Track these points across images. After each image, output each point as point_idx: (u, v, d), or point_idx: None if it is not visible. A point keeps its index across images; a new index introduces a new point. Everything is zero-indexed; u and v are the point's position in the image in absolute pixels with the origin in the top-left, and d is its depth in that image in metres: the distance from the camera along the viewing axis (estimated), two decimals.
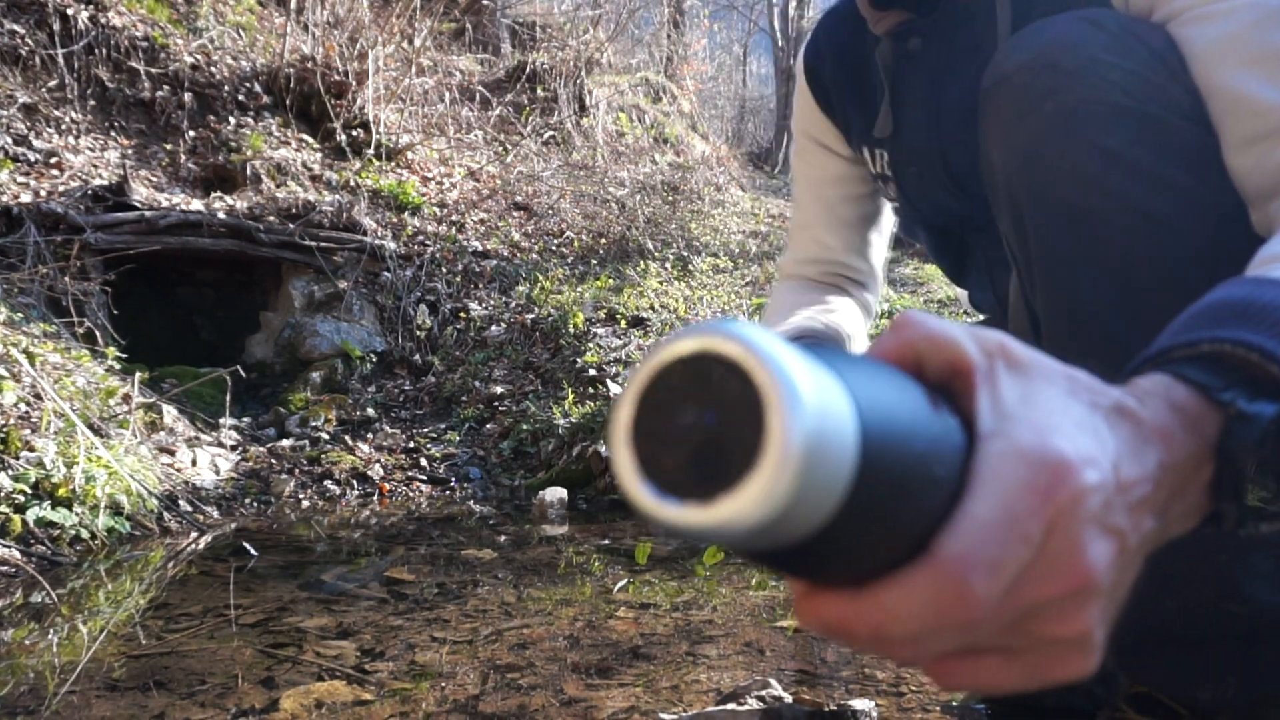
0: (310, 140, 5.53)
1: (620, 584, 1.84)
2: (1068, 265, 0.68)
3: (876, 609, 0.29)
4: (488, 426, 3.77)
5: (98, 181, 4.24)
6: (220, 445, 3.31)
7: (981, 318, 1.16)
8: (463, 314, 4.72)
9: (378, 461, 3.37)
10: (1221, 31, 0.63)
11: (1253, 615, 0.67)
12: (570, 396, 3.57)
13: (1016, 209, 0.72)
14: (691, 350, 0.26)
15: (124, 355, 3.33)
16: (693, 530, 0.26)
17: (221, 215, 4.42)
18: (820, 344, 1.04)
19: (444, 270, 4.96)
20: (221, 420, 3.52)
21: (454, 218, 5.49)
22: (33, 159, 4.30)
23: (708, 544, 0.27)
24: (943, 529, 0.29)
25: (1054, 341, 0.72)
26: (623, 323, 4.38)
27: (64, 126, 4.64)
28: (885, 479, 0.27)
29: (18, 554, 1.93)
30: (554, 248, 5.61)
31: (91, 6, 5.04)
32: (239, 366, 3.61)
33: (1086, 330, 0.68)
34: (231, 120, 5.27)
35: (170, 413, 3.24)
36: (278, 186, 4.93)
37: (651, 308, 4.63)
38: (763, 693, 1.08)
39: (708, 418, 0.26)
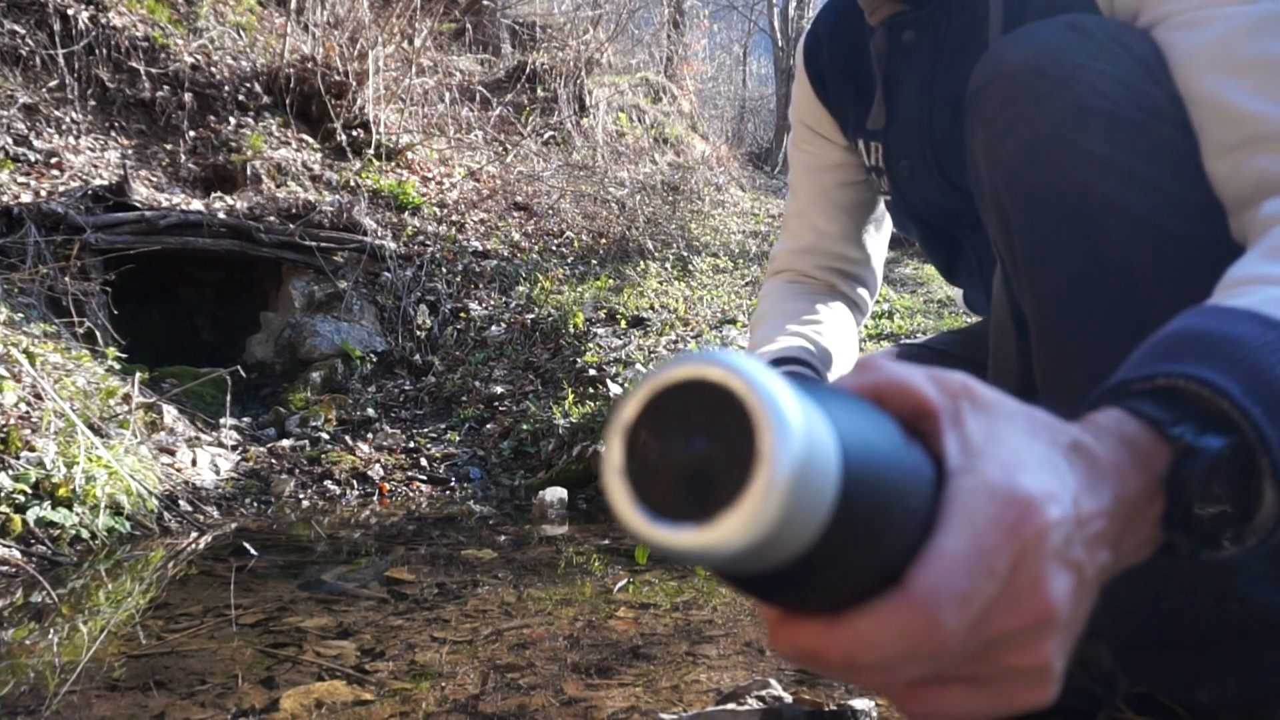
0: (310, 140, 5.53)
1: (620, 584, 1.85)
2: (1055, 265, 0.69)
3: (850, 637, 0.30)
4: (488, 426, 3.77)
5: (98, 181, 4.24)
6: (220, 445, 3.31)
7: (977, 319, 1.16)
8: (463, 314, 4.72)
9: (378, 461, 3.37)
10: (1205, 38, 0.63)
11: (1251, 616, 0.67)
12: (570, 396, 3.57)
13: (1002, 211, 0.73)
14: (686, 377, 0.27)
15: (124, 355, 3.32)
16: (683, 551, 0.26)
17: (221, 215, 4.42)
18: (806, 372, 1.02)
19: (444, 270, 4.96)
20: (221, 420, 3.52)
21: (454, 218, 5.49)
22: (33, 159, 4.30)
23: (696, 565, 0.27)
24: (915, 561, 0.30)
25: (1043, 338, 0.73)
26: (623, 323, 4.38)
27: (64, 126, 4.64)
28: (864, 507, 0.28)
29: (18, 554, 1.93)
30: (554, 248, 5.61)
31: (92, 7, 5.04)
32: (239, 366, 3.61)
33: (1076, 326, 0.69)
34: (231, 120, 5.27)
35: (170, 413, 3.24)
36: (278, 186, 4.93)
37: (651, 308, 4.63)
38: (763, 693, 1.08)
39: (701, 443, 0.27)
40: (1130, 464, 0.36)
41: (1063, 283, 0.69)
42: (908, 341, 1.19)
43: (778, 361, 1.01)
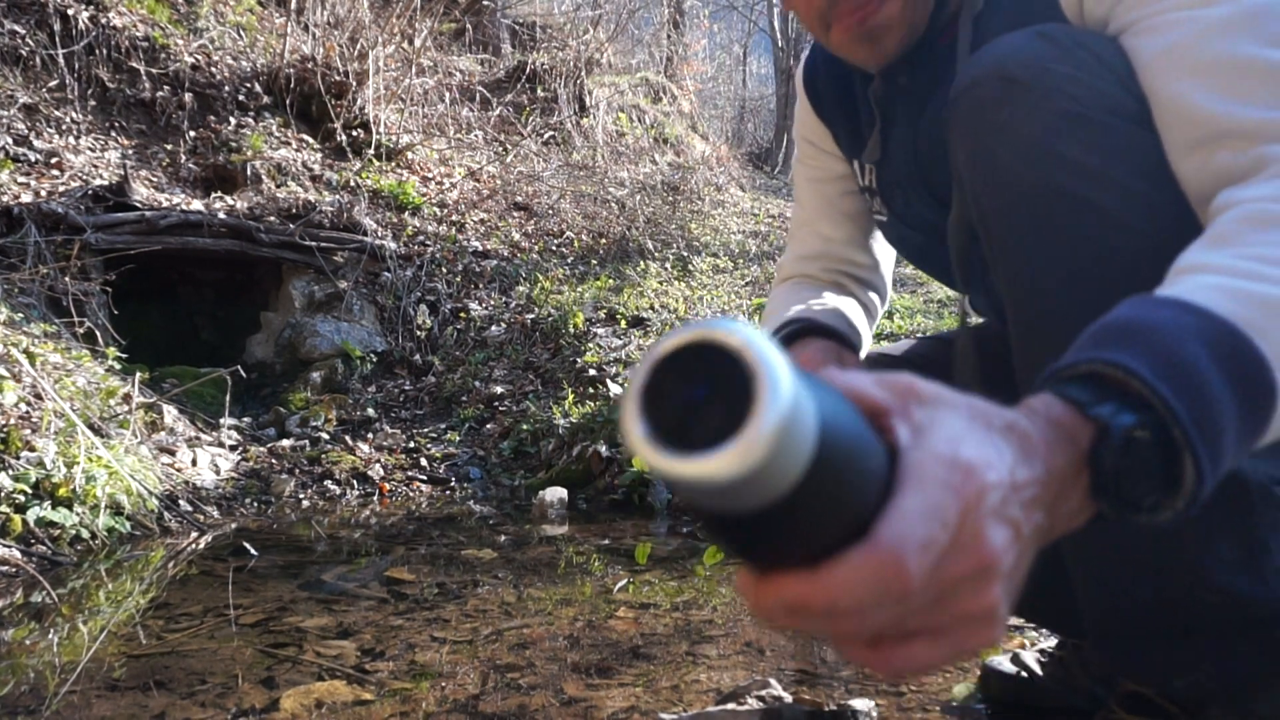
0: (310, 140, 5.53)
1: (620, 584, 1.85)
2: (1032, 264, 0.73)
3: (830, 584, 0.34)
4: (488, 426, 3.77)
5: (98, 181, 4.24)
6: (220, 445, 3.31)
7: (980, 320, 1.17)
8: (463, 314, 4.72)
9: (378, 461, 3.37)
10: (1167, 42, 0.66)
11: (1227, 606, 0.68)
12: (570, 396, 3.57)
13: (983, 214, 0.77)
14: (699, 339, 0.33)
15: (124, 355, 3.33)
16: (681, 478, 0.31)
17: (222, 215, 4.42)
18: (812, 325, 1.05)
19: (444, 270, 4.96)
20: (222, 420, 3.52)
21: (454, 218, 5.49)
22: (33, 159, 4.30)
23: (691, 495, 0.32)
24: (878, 518, 0.35)
25: (1021, 327, 0.76)
26: (623, 323, 4.38)
27: (64, 127, 4.64)
28: (836, 461, 0.33)
29: (18, 554, 1.93)
30: (554, 248, 5.62)
31: (92, 7, 5.04)
32: (239, 366, 3.61)
33: (1052, 321, 0.72)
34: (232, 120, 5.27)
35: (170, 413, 3.24)
36: (278, 186, 4.93)
37: (651, 308, 4.63)
38: (763, 693, 1.08)
39: (706, 391, 0.32)
40: (1058, 441, 0.41)
41: (1039, 280, 0.72)
42: (921, 336, 1.22)
43: (785, 324, 1.03)
